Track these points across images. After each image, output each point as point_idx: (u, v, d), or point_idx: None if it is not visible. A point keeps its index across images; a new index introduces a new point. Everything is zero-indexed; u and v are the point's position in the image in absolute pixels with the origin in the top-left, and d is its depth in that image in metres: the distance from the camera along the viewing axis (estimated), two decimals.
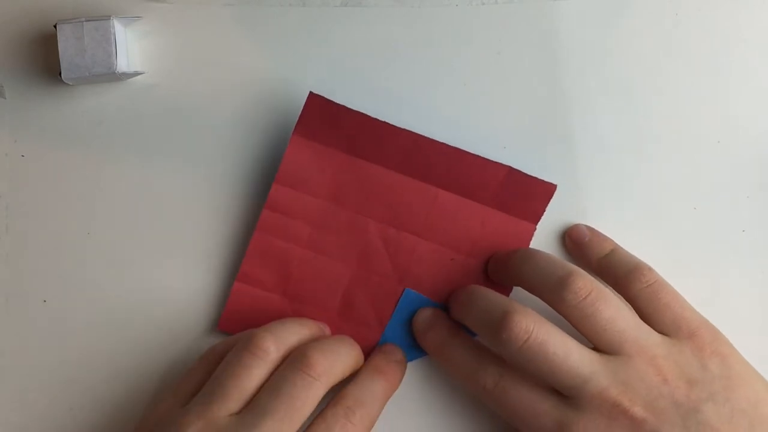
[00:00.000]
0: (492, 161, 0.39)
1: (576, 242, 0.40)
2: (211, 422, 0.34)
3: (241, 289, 0.40)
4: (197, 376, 0.37)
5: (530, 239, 0.40)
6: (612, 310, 0.35)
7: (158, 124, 0.41)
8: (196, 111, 0.41)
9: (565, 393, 0.35)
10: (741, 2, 0.41)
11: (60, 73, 0.38)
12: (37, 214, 0.40)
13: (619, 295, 0.37)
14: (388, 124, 0.39)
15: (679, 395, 0.35)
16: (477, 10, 0.41)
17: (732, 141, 0.41)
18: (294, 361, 0.35)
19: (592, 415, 0.34)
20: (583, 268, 0.37)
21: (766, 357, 0.37)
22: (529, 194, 0.39)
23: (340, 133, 0.39)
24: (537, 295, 0.37)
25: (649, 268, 0.38)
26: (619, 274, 0.38)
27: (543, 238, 0.41)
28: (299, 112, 0.39)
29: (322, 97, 0.39)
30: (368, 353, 0.39)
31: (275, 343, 0.36)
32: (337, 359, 0.36)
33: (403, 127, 0.39)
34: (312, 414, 0.35)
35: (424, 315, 0.39)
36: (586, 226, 0.40)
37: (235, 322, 0.40)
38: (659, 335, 0.36)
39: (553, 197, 0.39)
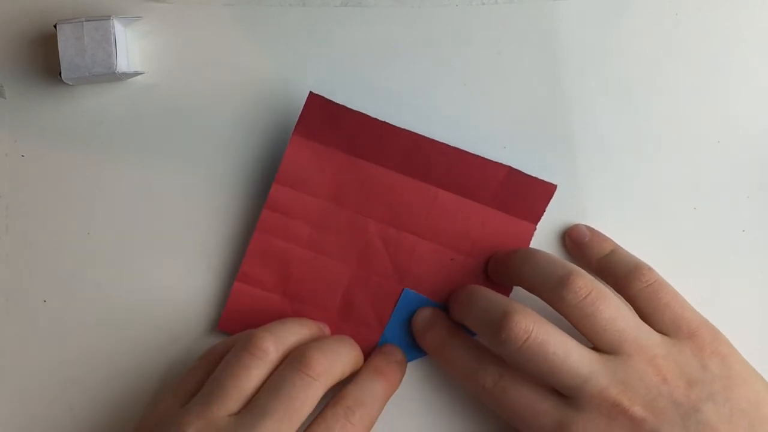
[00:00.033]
0: (492, 161, 0.39)
1: (576, 242, 0.40)
2: (211, 422, 0.34)
3: (241, 289, 0.40)
4: (197, 376, 0.37)
5: (530, 239, 0.40)
6: (612, 310, 0.35)
7: (158, 124, 0.41)
8: (196, 111, 0.41)
9: (564, 393, 0.35)
10: (741, 2, 0.41)
11: (60, 73, 0.38)
12: (37, 214, 0.40)
13: (619, 295, 0.37)
14: (388, 124, 0.39)
15: (679, 395, 0.35)
16: (477, 10, 0.41)
17: (732, 141, 0.41)
18: (293, 361, 0.35)
19: (591, 415, 0.34)
20: (583, 268, 0.37)
21: (766, 357, 0.37)
22: (529, 194, 0.39)
23: (340, 133, 0.39)
24: (537, 295, 0.37)
25: (649, 268, 0.38)
26: (619, 274, 0.38)
27: (543, 238, 0.41)
28: (299, 112, 0.39)
29: (322, 97, 0.39)
30: (368, 353, 0.39)
31: (274, 343, 0.36)
32: (337, 359, 0.36)
33: (403, 127, 0.39)
34: (311, 414, 0.35)
35: (424, 315, 0.39)
36: (586, 226, 0.40)
37: (235, 322, 0.40)
38: (659, 335, 0.36)
39: (553, 197, 0.39)
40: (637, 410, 0.34)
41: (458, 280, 0.40)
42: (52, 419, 0.40)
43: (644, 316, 0.37)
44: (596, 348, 0.36)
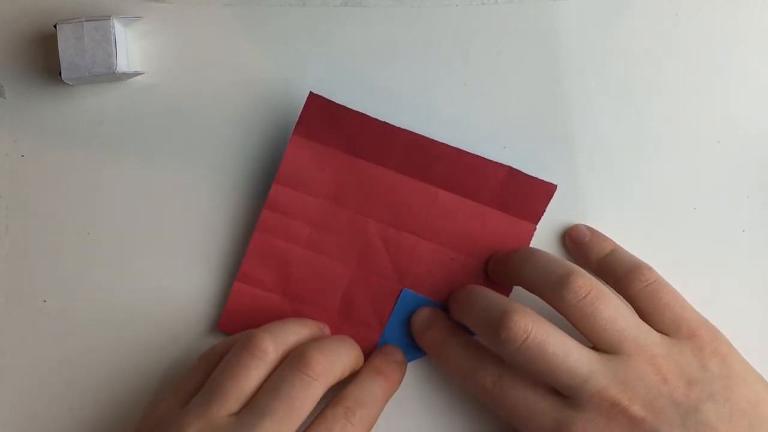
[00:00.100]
0: (492, 161, 0.39)
1: (576, 242, 0.40)
2: (211, 422, 0.34)
3: (241, 289, 0.40)
4: (197, 376, 0.37)
5: (530, 239, 0.40)
6: (611, 310, 0.35)
7: (158, 124, 0.41)
8: (196, 111, 0.41)
9: (564, 392, 0.35)
10: (741, 2, 0.41)
11: (60, 73, 0.38)
12: (37, 214, 0.40)
13: (619, 295, 0.37)
14: (388, 124, 0.39)
15: (679, 394, 0.34)
16: (477, 10, 0.41)
17: (732, 141, 0.41)
18: (293, 361, 0.35)
19: (591, 415, 0.34)
20: (584, 269, 0.37)
21: (766, 357, 0.37)
22: (529, 194, 0.39)
23: (340, 133, 0.39)
24: (537, 294, 0.37)
25: (649, 268, 0.38)
26: (619, 273, 0.38)
27: (543, 238, 0.41)
28: (299, 112, 0.39)
29: (322, 97, 0.39)
30: (368, 353, 0.39)
31: (274, 343, 0.36)
32: (337, 359, 0.36)
33: (403, 127, 0.39)
34: (311, 414, 0.35)
35: (423, 314, 0.39)
36: (586, 226, 0.40)
37: (235, 322, 0.40)
38: (659, 335, 0.36)
39: (553, 197, 0.39)
40: (637, 410, 0.34)
41: (458, 280, 0.40)
42: (52, 419, 0.40)
43: (644, 315, 0.37)
44: (596, 348, 0.36)
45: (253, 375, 0.35)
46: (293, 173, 0.39)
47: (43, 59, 0.40)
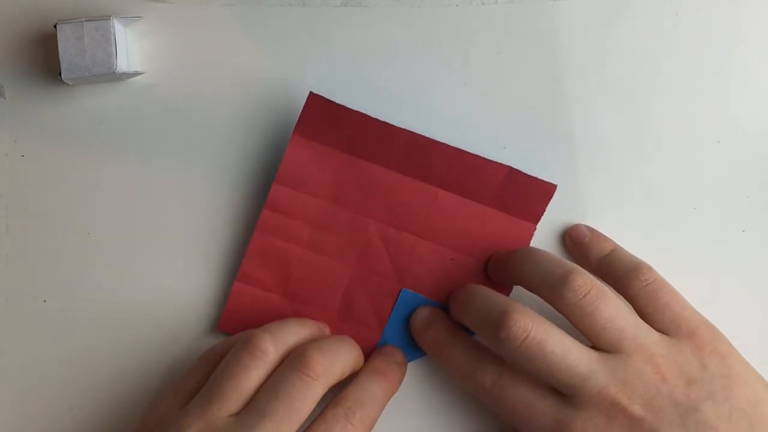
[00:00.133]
0: (492, 161, 0.39)
1: (576, 242, 0.40)
2: (211, 423, 0.34)
3: (241, 289, 0.40)
4: (197, 376, 0.37)
5: (530, 239, 0.40)
6: (611, 309, 0.35)
7: (158, 124, 0.41)
8: (196, 111, 0.41)
9: (563, 392, 0.35)
10: (741, 2, 0.41)
11: (60, 73, 0.38)
12: (37, 214, 0.40)
13: (619, 295, 0.37)
14: (388, 124, 0.39)
15: (678, 394, 0.35)
16: (477, 10, 0.41)
17: (732, 141, 0.41)
18: (293, 361, 0.35)
19: (590, 414, 0.34)
20: (584, 268, 0.37)
21: (766, 357, 0.37)
22: (529, 194, 0.39)
23: (340, 133, 0.39)
24: (537, 294, 0.37)
25: (649, 267, 0.38)
26: (619, 273, 0.38)
27: (543, 238, 0.41)
28: (299, 112, 0.39)
29: (322, 97, 0.39)
30: (368, 353, 0.39)
31: (274, 343, 0.36)
32: (337, 359, 0.36)
33: (403, 127, 0.39)
34: (312, 414, 0.35)
35: (422, 314, 0.39)
36: (586, 226, 0.40)
37: (235, 322, 0.40)
38: (658, 334, 0.36)
39: (553, 197, 0.39)
40: (636, 409, 0.34)
41: (458, 280, 0.40)
42: (52, 419, 0.40)
43: (644, 315, 0.37)
44: (595, 347, 0.36)
45: (253, 375, 0.35)
46: (293, 173, 0.39)
47: (43, 59, 0.40)
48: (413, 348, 0.40)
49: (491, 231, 0.40)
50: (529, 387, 0.36)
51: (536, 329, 0.35)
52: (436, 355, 0.39)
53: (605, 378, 0.35)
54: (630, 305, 0.37)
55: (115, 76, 0.39)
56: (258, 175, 0.41)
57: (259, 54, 0.41)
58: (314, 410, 0.35)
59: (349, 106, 0.39)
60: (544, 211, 0.40)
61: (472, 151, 0.39)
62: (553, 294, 0.36)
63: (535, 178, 0.39)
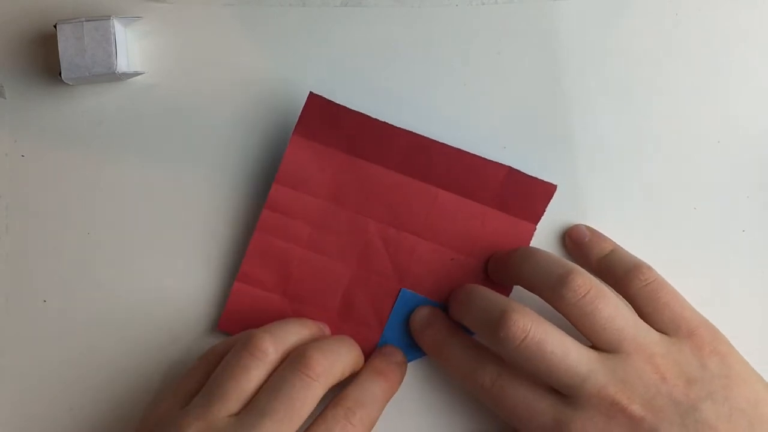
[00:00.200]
0: (492, 161, 0.39)
1: (576, 242, 0.40)
2: (211, 423, 0.34)
3: (241, 289, 0.40)
4: (197, 376, 0.37)
5: (530, 239, 0.40)
6: (611, 309, 0.35)
7: (158, 124, 0.41)
8: (196, 111, 0.41)
9: (563, 392, 0.35)
10: (741, 2, 0.41)
11: (60, 73, 0.38)
12: (37, 214, 0.40)
13: (619, 295, 0.37)
14: (388, 124, 0.39)
15: (678, 394, 0.35)
16: (477, 10, 0.41)
17: (732, 141, 0.41)
18: (293, 361, 0.35)
19: (590, 414, 0.34)
20: (584, 268, 0.37)
21: (766, 357, 0.37)
22: (529, 194, 0.39)
23: (340, 133, 0.39)
24: (537, 294, 0.37)
25: (649, 267, 0.38)
26: (619, 273, 0.38)
27: (543, 238, 0.41)
28: (299, 112, 0.39)
29: (322, 97, 0.39)
30: (368, 353, 0.40)
31: (274, 344, 0.36)
32: (337, 359, 0.36)
33: (403, 127, 0.39)
34: (312, 415, 0.35)
35: (422, 314, 0.39)
36: (586, 226, 0.40)
37: (235, 322, 0.40)
38: (658, 334, 0.36)
39: (553, 197, 0.39)
40: (636, 409, 0.34)
41: (458, 280, 0.40)
42: (52, 419, 0.40)
43: (644, 315, 0.37)
44: (595, 347, 0.36)
45: (253, 375, 0.35)
46: (293, 173, 0.39)
47: (43, 59, 0.40)
48: (413, 348, 0.40)
49: (491, 231, 0.40)
50: (528, 387, 0.36)
51: (535, 329, 0.35)
52: (436, 355, 0.39)
53: (605, 378, 0.35)
54: (630, 305, 0.37)
55: (115, 76, 0.39)
56: (258, 175, 0.41)
57: (259, 54, 0.41)
58: (314, 410, 0.35)
59: (349, 106, 0.39)
60: (544, 211, 0.40)
61: (472, 151, 0.39)
62: (552, 294, 0.36)
63: (535, 178, 0.39)
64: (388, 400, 0.37)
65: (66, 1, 0.40)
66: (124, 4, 0.40)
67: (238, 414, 0.34)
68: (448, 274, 0.40)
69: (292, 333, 0.37)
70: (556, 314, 0.36)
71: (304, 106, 0.39)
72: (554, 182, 0.39)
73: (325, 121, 0.39)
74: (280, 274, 0.40)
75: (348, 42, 0.41)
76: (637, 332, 0.36)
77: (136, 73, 0.40)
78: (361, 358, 0.38)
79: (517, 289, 0.39)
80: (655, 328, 0.36)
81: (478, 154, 0.39)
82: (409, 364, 0.40)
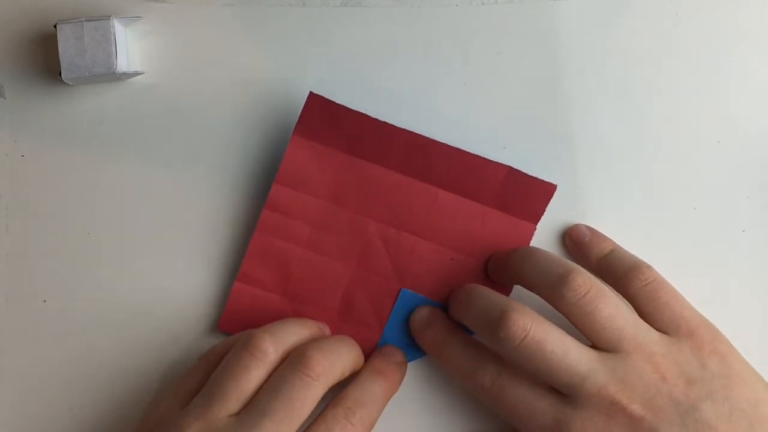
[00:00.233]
0: (492, 161, 0.39)
1: (576, 242, 0.40)
2: (211, 423, 0.34)
3: (241, 289, 0.40)
4: (197, 376, 0.37)
5: (530, 239, 0.40)
6: (611, 308, 0.35)
7: (158, 124, 0.41)
8: (196, 111, 0.41)
9: (563, 391, 0.35)
10: (741, 2, 0.41)
11: (60, 73, 0.38)
12: (37, 214, 0.40)
13: (619, 295, 0.37)
14: (388, 124, 0.39)
15: (678, 393, 0.35)
16: (477, 10, 0.41)
17: (732, 141, 0.41)
18: (293, 361, 0.35)
19: (590, 413, 0.34)
20: (584, 268, 0.37)
21: (766, 357, 0.37)
22: (529, 194, 0.39)
23: (340, 133, 0.39)
24: (537, 293, 0.37)
25: (649, 267, 0.38)
26: (619, 273, 0.38)
27: (543, 238, 0.41)
28: (299, 112, 0.39)
29: (322, 97, 0.39)
30: (368, 353, 0.40)
31: (274, 344, 0.36)
32: (337, 359, 0.36)
33: (403, 127, 0.39)
34: (312, 415, 0.35)
35: (422, 313, 0.39)
36: (586, 226, 0.40)
37: (235, 322, 0.40)
38: (658, 333, 0.36)
39: (553, 197, 0.39)
40: (636, 408, 0.34)
41: (458, 280, 0.40)
42: (52, 419, 0.40)
43: (644, 314, 0.37)
44: (595, 346, 0.36)
45: (253, 375, 0.35)
46: (293, 173, 0.39)
47: (43, 59, 0.40)
48: (413, 348, 0.40)
49: (491, 231, 0.40)
50: (528, 386, 0.36)
51: (535, 328, 0.35)
52: (436, 354, 0.39)
53: (605, 377, 0.35)
54: (630, 305, 0.37)
55: (115, 76, 0.39)
56: (258, 175, 0.41)
57: (259, 54, 0.41)
58: (314, 410, 0.35)
59: (349, 106, 0.39)
60: (544, 211, 0.40)
61: (472, 151, 0.39)
62: (552, 293, 0.36)
63: (535, 178, 0.39)
64: (388, 400, 0.37)
65: (66, 1, 0.40)
66: (124, 4, 0.40)
67: (238, 414, 0.34)
68: (448, 274, 0.40)
69: (292, 333, 0.37)
70: (556, 314, 0.36)
71: (304, 106, 0.39)
72: (554, 182, 0.39)
73: (325, 121, 0.39)
74: (280, 274, 0.40)
75: (348, 42, 0.41)
76: (637, 332, 0.36)
77: (136, 73, 0.40)
78: (361, 358, 0.38)
79: (517, 289, 0.39)
80: (655, 328, 0.36)
81: (478, 154, 0.39)
82: (409, 364, 0.40)
